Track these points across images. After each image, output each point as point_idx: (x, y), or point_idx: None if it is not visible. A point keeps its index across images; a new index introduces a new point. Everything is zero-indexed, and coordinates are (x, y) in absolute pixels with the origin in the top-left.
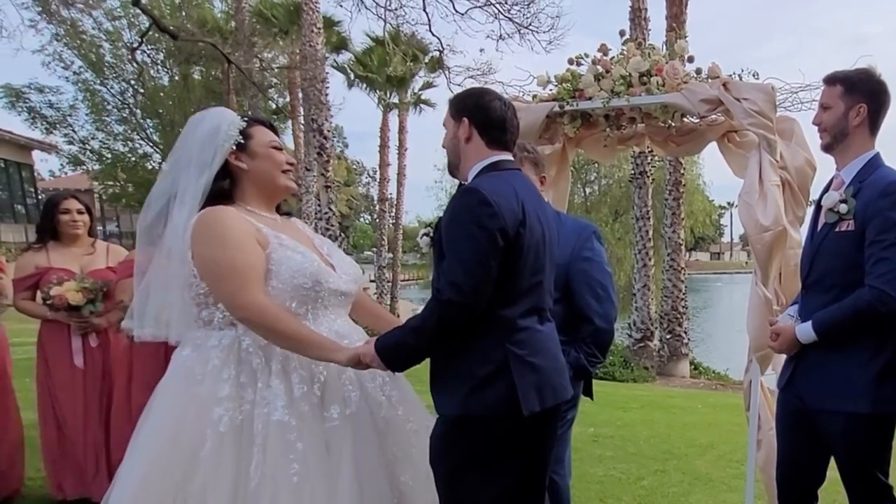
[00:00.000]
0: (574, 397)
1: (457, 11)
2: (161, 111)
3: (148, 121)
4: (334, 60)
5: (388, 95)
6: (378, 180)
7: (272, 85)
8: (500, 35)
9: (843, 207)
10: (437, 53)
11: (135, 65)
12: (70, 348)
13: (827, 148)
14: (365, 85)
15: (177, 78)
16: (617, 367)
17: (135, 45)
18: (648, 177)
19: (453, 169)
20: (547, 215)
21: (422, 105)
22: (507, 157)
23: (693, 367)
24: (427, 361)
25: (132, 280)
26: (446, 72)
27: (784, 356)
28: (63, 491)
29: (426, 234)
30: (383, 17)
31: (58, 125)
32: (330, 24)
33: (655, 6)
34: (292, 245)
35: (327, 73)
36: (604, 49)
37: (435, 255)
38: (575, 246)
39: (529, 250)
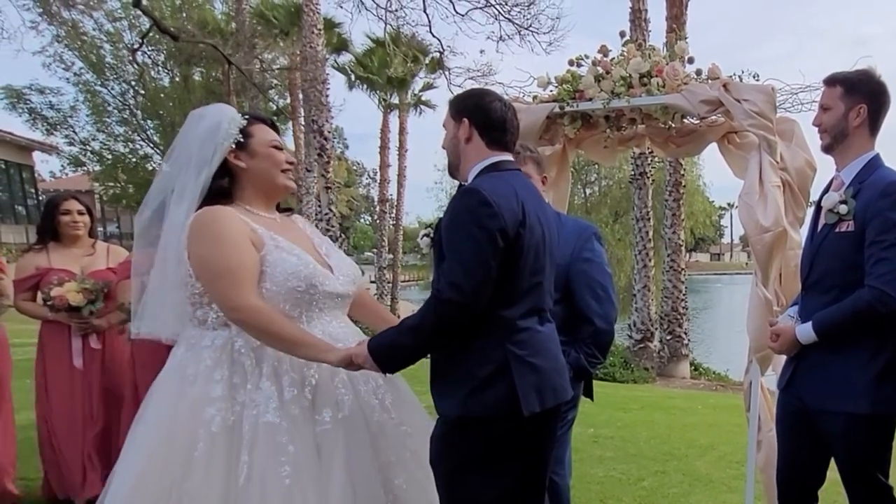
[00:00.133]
0: (574, 398)
1: (457, 13)
2: (162, 112)
3: (148, 122)
4: (335, 61)
5: (389, 96)
6: (378, 181)
7: (273, 86)
8: (501, 36)
9: (843, 208)
10: (438, 55)
11: (135, 66)
12: (70, 349)
13: (827, 149)
14: (365, 86)
15: (177, 79)
16: (617, 367)
17: (135, 47)
18: (649, 178)
19: (453, 170)
20: (547, 216)
21: (422, 106)
22: (508, 157)
23: (693, 367)
24: (426, 362)
25: (132, 281)
26: (447, 73)
27: (784, 357)
28: (53, 491)
29: (426, 235)
30: (384, 18)
31: (58, 126)
32: (330, 25)
33: (655, 7)
34: (287, 247)
35: (328, 74)
36: (604, 50)
37: (435, 256)
38: (575, 247)
39: (529, 251)
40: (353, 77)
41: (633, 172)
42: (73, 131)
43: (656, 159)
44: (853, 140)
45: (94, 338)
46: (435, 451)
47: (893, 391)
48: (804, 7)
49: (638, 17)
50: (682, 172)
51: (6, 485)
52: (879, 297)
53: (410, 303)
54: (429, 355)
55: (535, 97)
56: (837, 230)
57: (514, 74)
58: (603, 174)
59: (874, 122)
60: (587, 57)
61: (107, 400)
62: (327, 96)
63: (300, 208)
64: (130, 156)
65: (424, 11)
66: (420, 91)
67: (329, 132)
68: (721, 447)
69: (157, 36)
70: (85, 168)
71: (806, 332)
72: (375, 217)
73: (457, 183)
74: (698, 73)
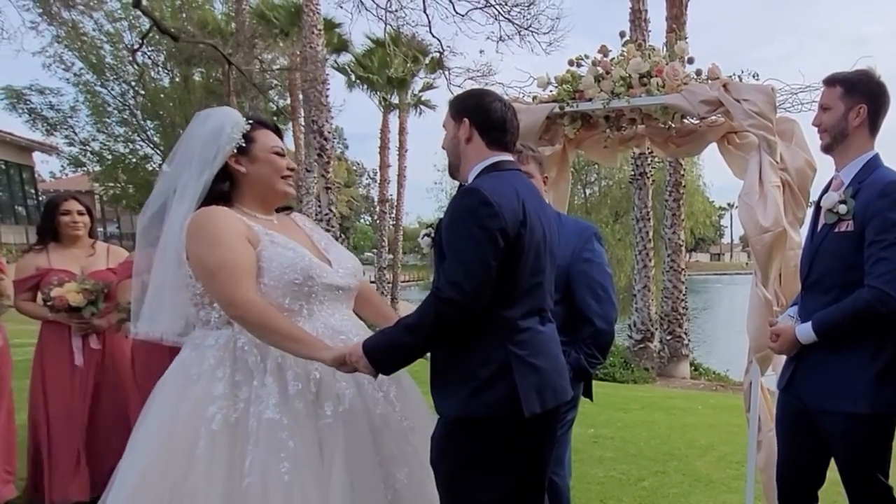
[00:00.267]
0: (574, 398)
1: (457, 13)
2: (162, 113)
3: (148, 122)
4: (335, 62)
5: (389, 97)
6: (378, 181)
7: (273, 86)
8: (501, 37)
9: (843, 208)
10: (438, 55)
11: (135, 66)
12: (69, 349)
13: (827, 149)
14: (365, 86)
15: (177, 79)
16: (617, 368)
17: (135, 47)
18: (648, 178)
19: (454, 170)
20: (548, 216)
21: (422, 106)
22: (508, 157)
23: (693, 368)
24: (426, 363)
25: (132, 281)
26: (446, 73)
27: (784, 357)
28: (40, 491)
29: (427, 235)
30: (384, 18)
31: (58, 127)
32: (330, 25)
33: (655, 8)
34: (282, 242)
35: (328, 74)
36: (604, 50)
37: (436, 256)
38: (576, 247)
39: (530, 250)
40: (353, 77)
41: (633, 172)
42: (73, 132)
43: (656, 159)
44: (853, 140)
45: (93, 338)
46: (436, 452)
47: (893, 391)
48: (804, 7)
49: (638, 18)
50: (682, 172)
51: (5, 485)
52: (879, 297)
53: (410, 303)
54: (429, 356)
55: (534, 97)
56: (837, 230)
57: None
58: (603, 174)
59: (874, 122)
60: (587, 57)
61: (105, 401)
62: (327, 96)
63: (300, 208)
64: (130, 156)
65: (424, 12)
66: (420, 91)
67: (329, 132)
68: (721, 447)
69: (157, 36)
70: (85, 168)
71: (806, 332)
72: (375, 217)
73: (457, 183)
74: (698, 73)
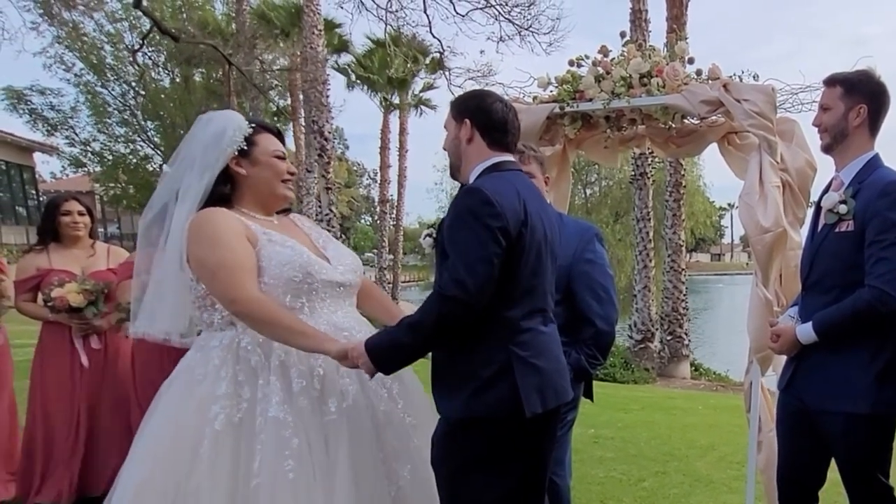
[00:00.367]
0: (574, 399)
1: (457, 13)
2: (162, 113)
3: (149, 123)
4: (335, 62)
5: (389, 97)
6: (379, 182)
7: (273, 87)
8: (501, 37)
9: (843, 208)
10: (438, 55)
11: (136, 67)
12: (70, 350)
13: (827, 149)
14: (366, 86)
15: (178, 80)
16: (617, 368)
17: (136, 48)
18: (649, 178)
19: (455, 171)
20: (549, 216)
21: (422, 106)
22: (509, 158)
23: (694, 368)
24: (428, 363)
25: (132, 281)
26: (447, 73)
27: (784, 357)
28: (25, 492)
29: (429, 235)
30: (384, 18)
31: (59, 127)
32: (331, 26)
33: (656, 8)
34: (280, 240)
35: (328, 74)
36: (604, 50)
37: (437, 256)
38: (577, 248)
39: (531, 250)
40: (353, 77)
41: (633, 173)
42: (74, 132)
43: (657, 160)
44: (853, 140)
45: (94, 338)
46: (437, 452)
47: (894, 391)
48: (804, 7)
49: (638, 18)
50: (682, 173)
51: (5, 485)
52: (879, 297)
53: (411, 303)
54: (430, 356)
55: (535, 98)
56: (837, 230)
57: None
58: (603, 174)
59: (874, 122)
60: (587, 57)
61: (105, 401)
62: (328, 97)
63: (300, 209)
64: (131, 157)
65: (425, 12)
66: (420, 91)
67: (329, 133)
68: (721, 448)
69: (158, 37)
70: (85, 169)
71: (806, 332)
72: (376, 218)
73: (457, 183)
74: (698, 73)
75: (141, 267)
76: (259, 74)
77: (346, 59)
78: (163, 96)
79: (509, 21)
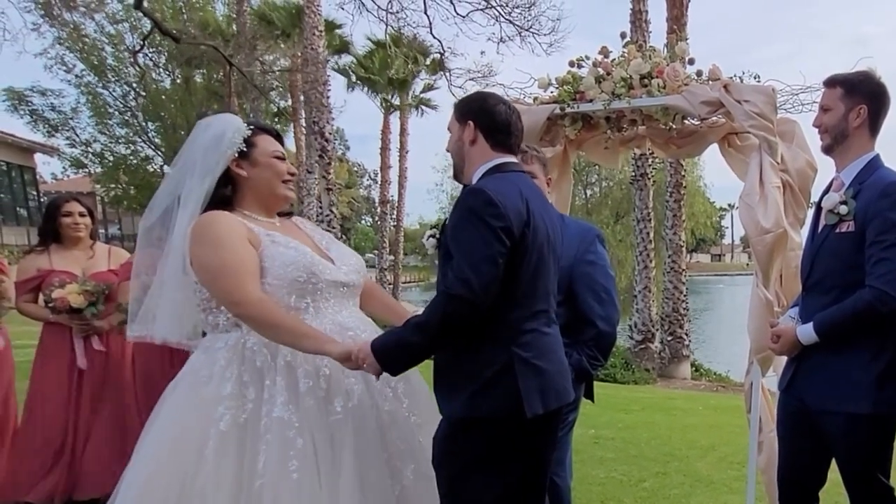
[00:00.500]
0: (575, 399)
1: (458, 14)
2: (163, 114)
3: (150, 124)
4: (336, 63)
5: (390, 98)
6: (379, 182)
7: (274, 88)
8: (501, 38)
9: (843, 209)
10: (439, 56)
11: (137, 68)
12: (70, 350)
13: (827, 149)
14: (366, 87)
15: (178, 81)
16: (618, 368)
17: (137, 49)
18: (649, 179)
19: (458, 172)
20: (551, 217)
21: (423, 107)
22: (512, 159)
23: (694, 368)
24: (430, 364)
25: (132, 282)
26: (447, 74)
27: (785, 358)
28: (19, 490)
29: (432, 236)
30: (384, 19)
31: (60, 128)
32: (331, 27)
33: (656, 9)
34: (283, 241)
35: (328, 75)
36: (605, 51)
37: (441, 257)
38: (578, 249)
39: (534, 251)
40: (354, 78)
41: (633, 173)
42: (75, 133)
43: (657, 160)
44: (853, 141)
45: (95, 339)
46: (438, 452)
47: (894, 391)
48: (804, 8)
49: (638, 19)
50: (682, 173)
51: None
52: (880, 297)
53: (411, 304)
54: (432, 357)
55: (535, 98)
56: (838, 231)
57: (514, 75)
58: (604, 175)
59: (874, 122)
60: (588, 58)
61: (106, 401)
62: (328, 98)
63: (301, 209)
64: (132, 157)
65: (425, 13)
66: (421, 92)
67: (330, 133)
68: (722, 448)
69: (159, 38)
70: (86, 170)
71: (807, 332)
72: (376, 218)
73: (458, 184)
74: (699, 74)
75: (141, 267)
76: (260, 75)
77: (346, 59)
78: (163, 97)
79: (510, 22)
